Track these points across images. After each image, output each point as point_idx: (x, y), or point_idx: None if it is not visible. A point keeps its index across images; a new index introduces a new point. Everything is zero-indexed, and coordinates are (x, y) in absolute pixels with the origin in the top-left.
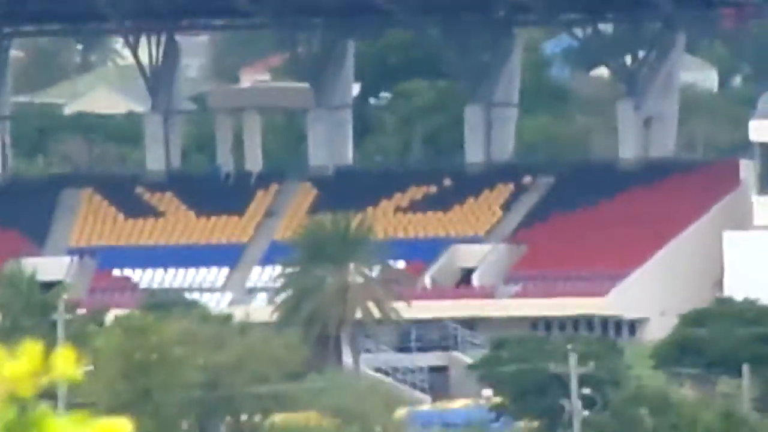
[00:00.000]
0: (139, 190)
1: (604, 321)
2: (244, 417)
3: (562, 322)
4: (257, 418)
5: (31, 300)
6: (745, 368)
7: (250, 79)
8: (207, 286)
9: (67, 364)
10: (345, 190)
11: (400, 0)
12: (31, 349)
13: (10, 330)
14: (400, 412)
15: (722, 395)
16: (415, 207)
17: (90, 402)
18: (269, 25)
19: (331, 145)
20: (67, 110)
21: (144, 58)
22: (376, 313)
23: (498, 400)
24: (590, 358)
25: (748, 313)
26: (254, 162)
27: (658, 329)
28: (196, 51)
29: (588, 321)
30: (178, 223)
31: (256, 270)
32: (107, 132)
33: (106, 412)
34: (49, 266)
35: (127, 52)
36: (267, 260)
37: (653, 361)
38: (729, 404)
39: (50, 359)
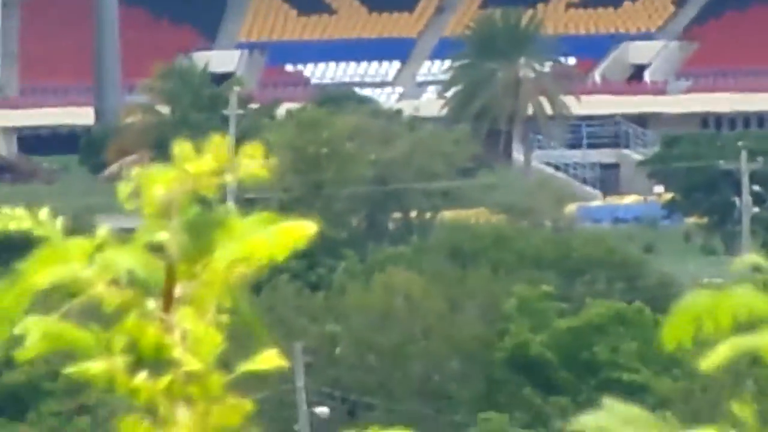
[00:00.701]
0: None
1: None
2: (413, 213)
3: (733, 119)
4: (427, 214)
5: (202, 93)
6: None
7: None
8: (378, 80)
9: (255, 161)
10: None
11: None
12: (217, 145)
13: (180, 123)
14: (571, 208)
15: None
16: (586, 3)
17: (260, 197)
18: None
19: None
20: None
21: None
22: (548, 109)
23: (668, 196)
24: (760, 154)
25: None
26: None
27: None
28: None
29: (759, 117)
30: (350, 18)
31: (426, 64)
32: None
33: (277, 207)
34: (220, 60)
35: None
36: (437, 55)
37: None
38: None
39: (236, 156)
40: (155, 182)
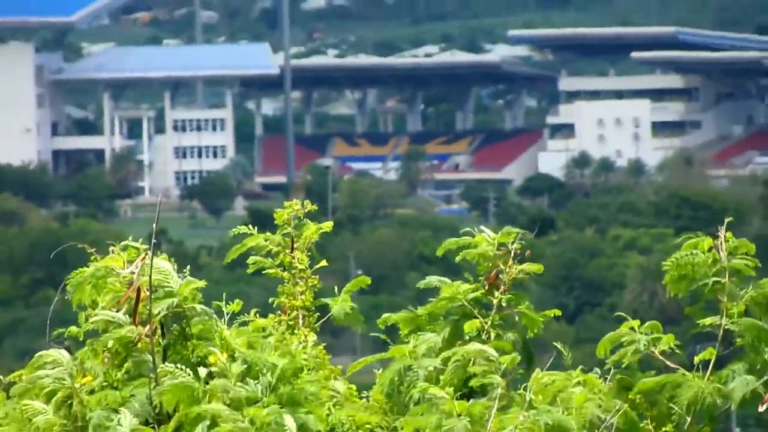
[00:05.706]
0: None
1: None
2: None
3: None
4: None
5: (320, 174)
6: None
7: None
8: (373, 169)
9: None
10: None
11: None
12: (293, 204)
13: (312, 183)
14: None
15: None
16: (444, 142)
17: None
18: None
19: None
20: None
21: None
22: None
23: (467, 205)
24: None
25: None
26: None
27: None
28: None
29: (499, 182)
30: (362, 147)
31: (393, 163)
32: None
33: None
34: (325, 162)
35: None
36: (395, 160)
37: None
38: None
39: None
40: (282, 214)
